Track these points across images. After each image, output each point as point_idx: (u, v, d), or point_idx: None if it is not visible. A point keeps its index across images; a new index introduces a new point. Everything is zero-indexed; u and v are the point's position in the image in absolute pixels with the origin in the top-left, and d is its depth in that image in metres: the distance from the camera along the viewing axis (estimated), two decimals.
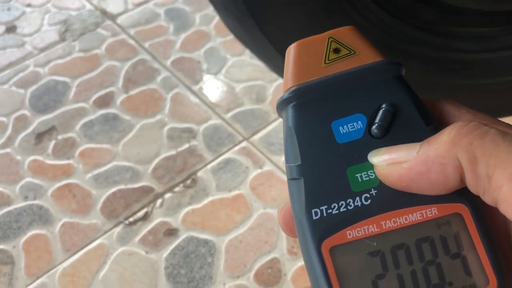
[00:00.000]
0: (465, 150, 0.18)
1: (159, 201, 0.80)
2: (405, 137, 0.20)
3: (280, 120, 0.94)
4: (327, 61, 0.22)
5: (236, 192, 0.81)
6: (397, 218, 0.19)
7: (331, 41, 0.22)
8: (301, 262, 0.72)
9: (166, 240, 0.75)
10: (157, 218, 0.77)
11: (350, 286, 0.19)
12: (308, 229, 0.20)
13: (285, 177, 0.81)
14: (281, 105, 0.23)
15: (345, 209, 0.20)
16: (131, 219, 0.77)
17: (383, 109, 0.21)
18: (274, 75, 0.97)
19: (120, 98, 0.94)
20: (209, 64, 1.00)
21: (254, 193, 0.81)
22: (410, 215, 0.19)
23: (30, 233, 0.76)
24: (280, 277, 0.71)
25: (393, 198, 0.20)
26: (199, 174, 0.83)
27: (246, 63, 1.00)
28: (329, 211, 0.20)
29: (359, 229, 0.20)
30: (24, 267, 0.73)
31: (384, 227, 0.19)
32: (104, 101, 0.94)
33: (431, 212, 0.19)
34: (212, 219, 0.78)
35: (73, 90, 0.96)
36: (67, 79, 0.98)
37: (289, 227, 0.22)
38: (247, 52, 1.01)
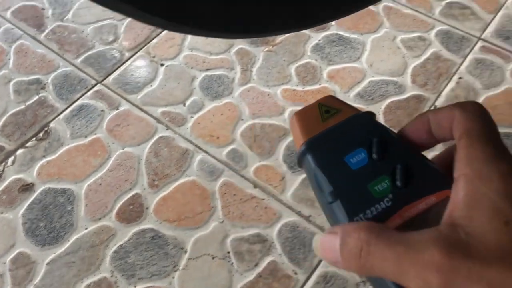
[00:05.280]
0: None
1: (10, 159, 0.77)
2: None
3: (135, 61, 0.91)
4: (323, 119, 0.31)
5: (92, 137, 0.79)
6: (411, 209, 0.27)
7: (321, 106, 0.31)
8: (162, 194, 0.73)
9: (21, 197, 0.73)
10: (10, 177, 0.75)
11: None
12: None
13: (143, 114, 0.80)
14: (301, 157, 0.30)
15: (376, 212, 0.27)
16: None
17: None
18: None
19: None
20: (54, 10, 0.94)
21: (111, 135, 0.79)
22: (419, 205, 0.27)
23: None
24: (143, 211, 0.72)
25: (404, 196, 0.28)
26: (52, 125, 0.80)
27: (93, 3, 0.95)
28: (366, 216, 0.27)
29: (390, 224, 0.27)
30: None
31: (405, 217, 0.27)
32: None
33: (431, 199, 0.27)
34: (68, 168, 0.76)
35: None
36: None
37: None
38: None
